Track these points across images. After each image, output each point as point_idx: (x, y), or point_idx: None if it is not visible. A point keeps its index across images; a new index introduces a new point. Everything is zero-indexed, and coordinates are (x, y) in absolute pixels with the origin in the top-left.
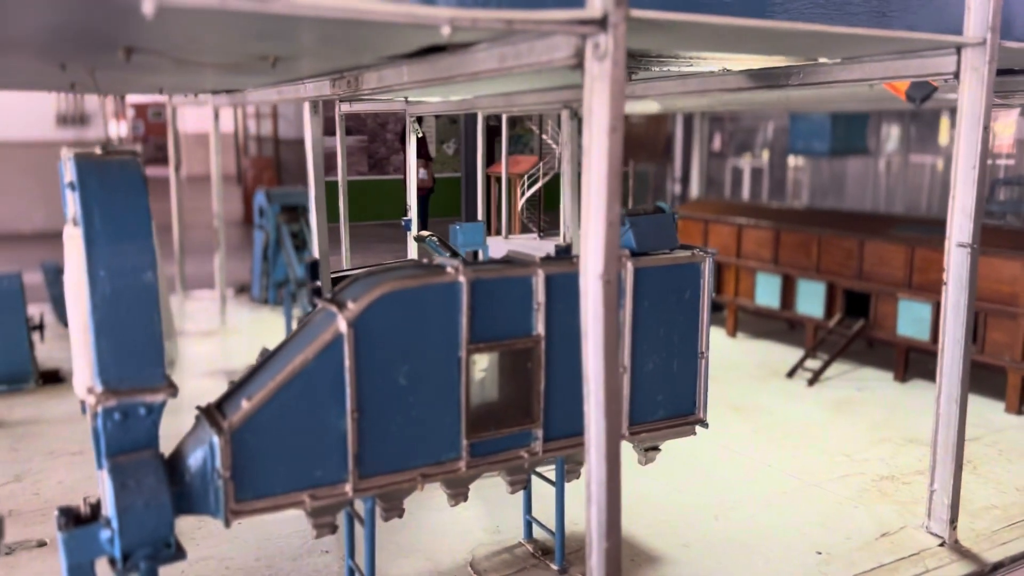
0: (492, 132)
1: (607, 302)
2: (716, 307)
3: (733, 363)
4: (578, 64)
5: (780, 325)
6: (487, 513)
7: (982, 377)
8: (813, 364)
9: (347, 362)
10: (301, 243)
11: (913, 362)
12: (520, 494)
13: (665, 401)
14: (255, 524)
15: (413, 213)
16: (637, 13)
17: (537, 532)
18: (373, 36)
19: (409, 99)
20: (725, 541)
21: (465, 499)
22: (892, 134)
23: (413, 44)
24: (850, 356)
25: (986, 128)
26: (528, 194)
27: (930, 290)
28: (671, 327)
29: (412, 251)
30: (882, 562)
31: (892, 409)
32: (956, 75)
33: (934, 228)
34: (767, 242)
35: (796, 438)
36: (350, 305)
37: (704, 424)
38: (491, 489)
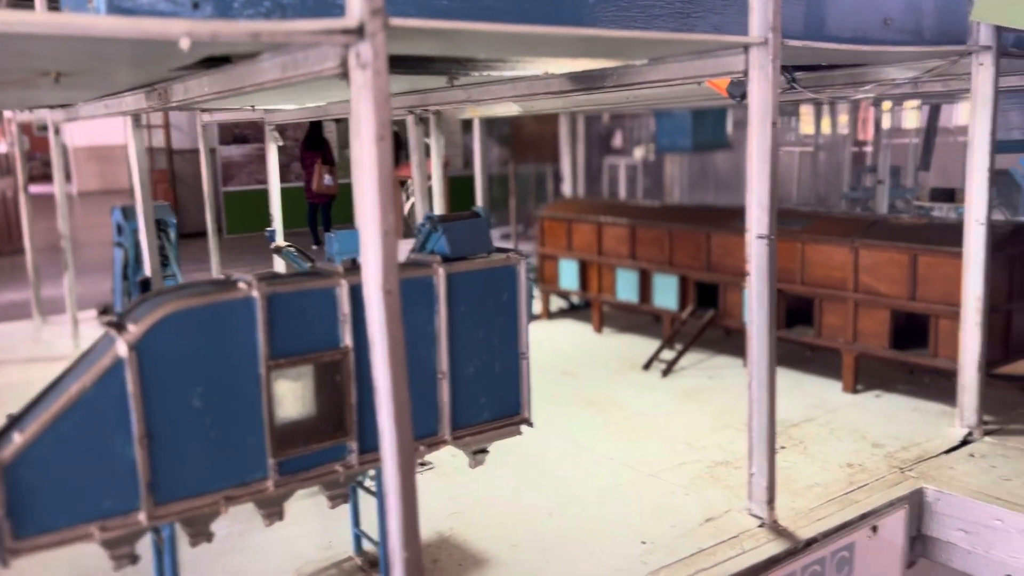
0: (395, 135)
1: (389, 313)
2: (584, 304)
3: (595, 358)
4: (344, 74)
5: (646, 318)
6: (323, 528)
7: (824, 359)
8: (669, 355)
9: (130, 387)
10: (163, 259)
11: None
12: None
13: (489, 403)
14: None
15: (277, 223)
16: (397, 22)
17: (367, 545)
18: (129, 51)
19: (256, 107)
20: (556, 539)
21: (280, 518)
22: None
23: (195, 55)
24: (706, 345)
25: (774, 124)
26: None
27: None
28: (490, 330)
29: (280, 263)
30: (702, 547)
31: (738, 396)
32: (745, 73)
33: (780, 219)
34: (624, 239)
35: (643, 429)
36: (131, 328)
37: (529, 423)
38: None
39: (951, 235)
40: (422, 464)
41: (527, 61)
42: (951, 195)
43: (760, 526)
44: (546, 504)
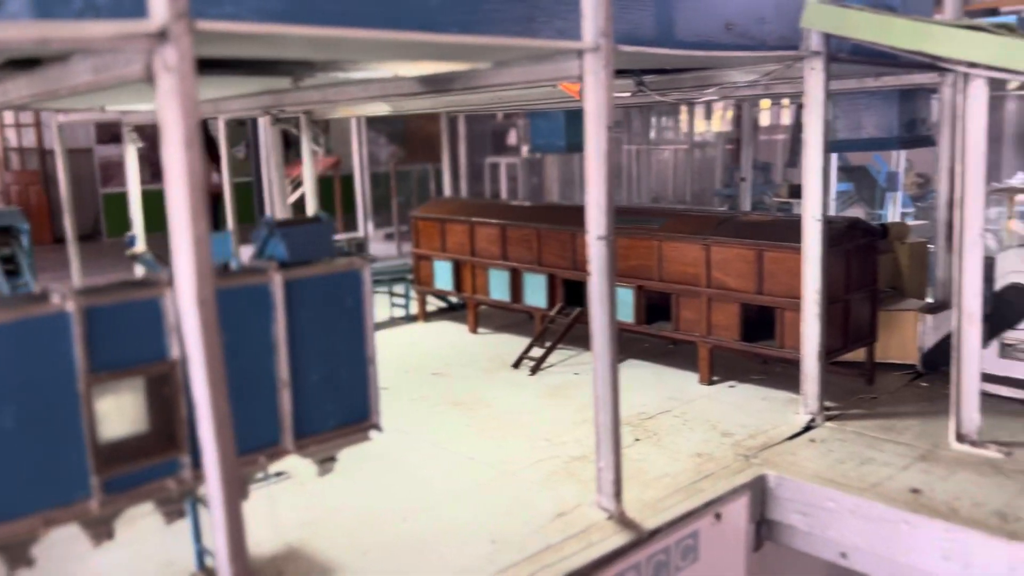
0: (285, 134)
1: (205, 324)
2: (462, 305)
3: (468, 358)
4: (150, 78)
5: (522, 317)
6: (165, 546)
7: (686, 352)
8: (538, 353)
9: None
10: (15, 268)
11: (628, 341)
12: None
13: (335, 410)
14: None
15: (138, 228)
16: (204, 25)
17: (210, 560)
18: None
19: (106, 108)
20: (406, 543)
21: (110, 537)
22: (652, 126)
23: None
24: (577, 342)
25: (609, 128)
26: (294, 197)
27: (632, 275)
28: (335, 336)
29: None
30: (550, 543)
31: None
32: (580, 78)
33: (637, 217)
34: (496, 239)
35: (507, 427)
36: None
37: (378, 428)
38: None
39: (794, 231)
40: (277, 474)
41: (367, 64)
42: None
43: (608, 519)
44: (400, 508)
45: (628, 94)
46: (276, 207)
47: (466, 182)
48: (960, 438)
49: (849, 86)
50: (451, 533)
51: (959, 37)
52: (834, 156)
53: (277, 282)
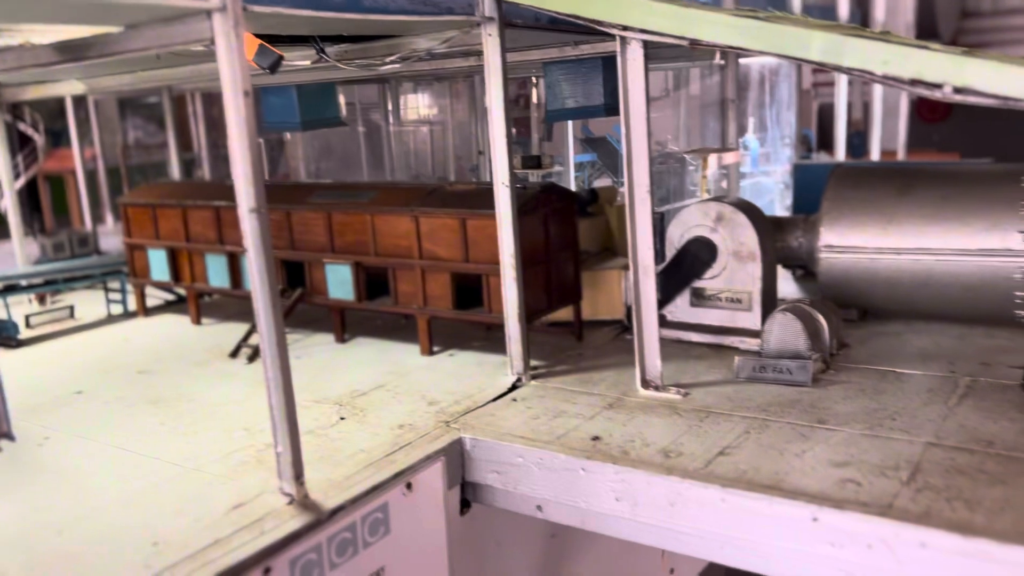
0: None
1: None
2: (180, 298)
3: (183, 352)
4: None
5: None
6: None
7: (411, 326)
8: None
9: None
10: None
11: (357, 320)
12: None
13: None
14: None
15: None
16: None
17: None
18: None
19: None
20: (57, 558)
21: None
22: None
23: None
24: (305, 325)
25: (247, 94)
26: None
27: (348, 252)
28: None
29: None
30: (220, 537)
31: (319, 372)
32: (212, 41)
33: (349, 192)
34: (211, 222)
35: (204, 421)
36: None
37: (11, 437)
38: None
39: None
40: None
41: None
42: (539, 162)
43: (289, 504)
44: (57, 521)
45: (307, 62)
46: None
47: (209, 166)
48: (645, 384)
49: (553, 55)
50: (110, 541)
51: (613, 1)
52: (569, 125)
53: None
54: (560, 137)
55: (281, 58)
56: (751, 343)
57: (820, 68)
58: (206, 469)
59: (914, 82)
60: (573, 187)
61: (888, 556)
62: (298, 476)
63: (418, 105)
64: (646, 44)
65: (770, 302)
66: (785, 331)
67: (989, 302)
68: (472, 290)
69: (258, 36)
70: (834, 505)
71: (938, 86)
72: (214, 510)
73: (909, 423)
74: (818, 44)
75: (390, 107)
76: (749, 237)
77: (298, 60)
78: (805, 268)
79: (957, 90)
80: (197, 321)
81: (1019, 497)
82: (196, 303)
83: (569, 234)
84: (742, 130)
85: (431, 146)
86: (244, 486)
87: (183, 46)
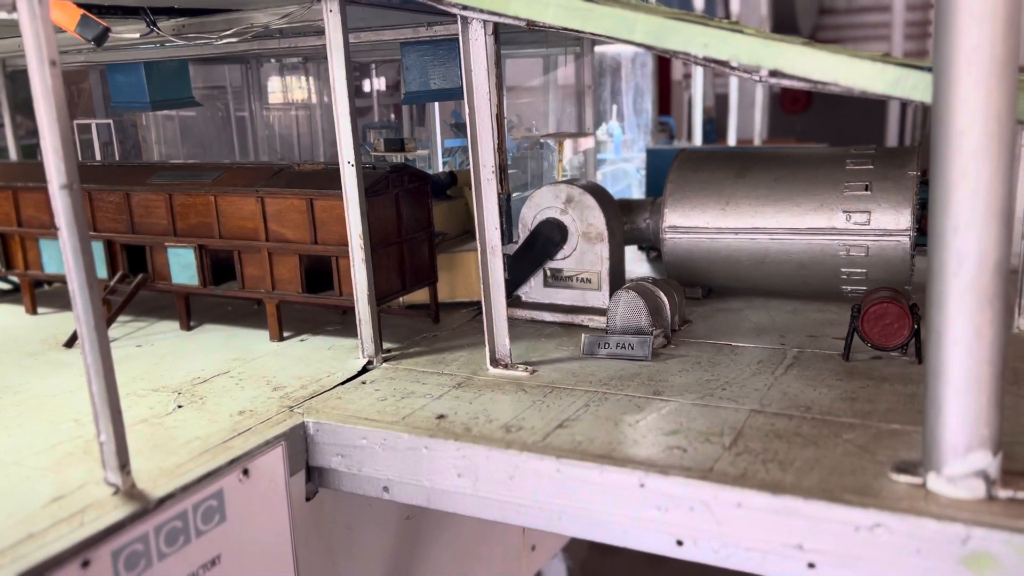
0: None
1: None
2: (15, 288)
3: (11, 344)
4: None
5: None
6: None
7: (263, 312)
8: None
9: None
10: None
11: (206, 307)
12: None
13: None
14: None
15: None
16: None
17: None
18: None
19: None
20: None
21: None
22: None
23: None
24: (150, 312)
25: (53, 63)
26: None
27: (192, 235)
28: None
29: None
30: (33, 531)
31: (160, 360)
32: (14, 6)
33: (190, 172)
34: (44, 205)
35: (29, 414)
36: None
37: None
38: None
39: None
40: None
41: None
42: (402, 145)
43: (114, 494)
44: None
45: (136, 36)
46: None
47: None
48: (495, 363)
49: (408, 36)
50: None
51: None
52: (436, 108)
53: None
54: (430, 121)
55: (107, 30)
56: (599, 321)
57: (650, 49)
58: (26, 463)
59: (731, 64)
60: (442, 171)
61: (708, 517)
62: (123, 465)
63: (285, 88)
64: (487, 25)
65: (618, 281)
66: (628, 308)
67: (819, 278)
68: (323, 273)
69: (81, 6)
70: (659, 471)
71: (755, 69)
72: (31, 504)
73: (738, 392)
74: (642, 27)
75: (252, 89)
76: (597, 218)
77: (127, 34)
78: (656, 249)
79: (772, 73)
80: (32, 311)
81: (827, 457)
82: (31, 292)
83: (423, 216)
84: (603, 117)
85: (296, 130)
86: (67, 478)
87: None
